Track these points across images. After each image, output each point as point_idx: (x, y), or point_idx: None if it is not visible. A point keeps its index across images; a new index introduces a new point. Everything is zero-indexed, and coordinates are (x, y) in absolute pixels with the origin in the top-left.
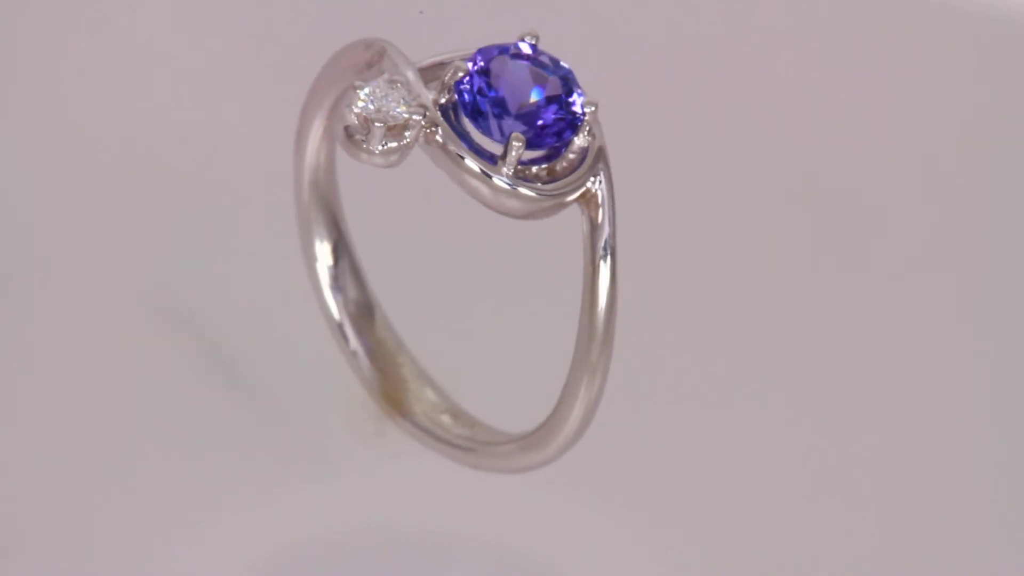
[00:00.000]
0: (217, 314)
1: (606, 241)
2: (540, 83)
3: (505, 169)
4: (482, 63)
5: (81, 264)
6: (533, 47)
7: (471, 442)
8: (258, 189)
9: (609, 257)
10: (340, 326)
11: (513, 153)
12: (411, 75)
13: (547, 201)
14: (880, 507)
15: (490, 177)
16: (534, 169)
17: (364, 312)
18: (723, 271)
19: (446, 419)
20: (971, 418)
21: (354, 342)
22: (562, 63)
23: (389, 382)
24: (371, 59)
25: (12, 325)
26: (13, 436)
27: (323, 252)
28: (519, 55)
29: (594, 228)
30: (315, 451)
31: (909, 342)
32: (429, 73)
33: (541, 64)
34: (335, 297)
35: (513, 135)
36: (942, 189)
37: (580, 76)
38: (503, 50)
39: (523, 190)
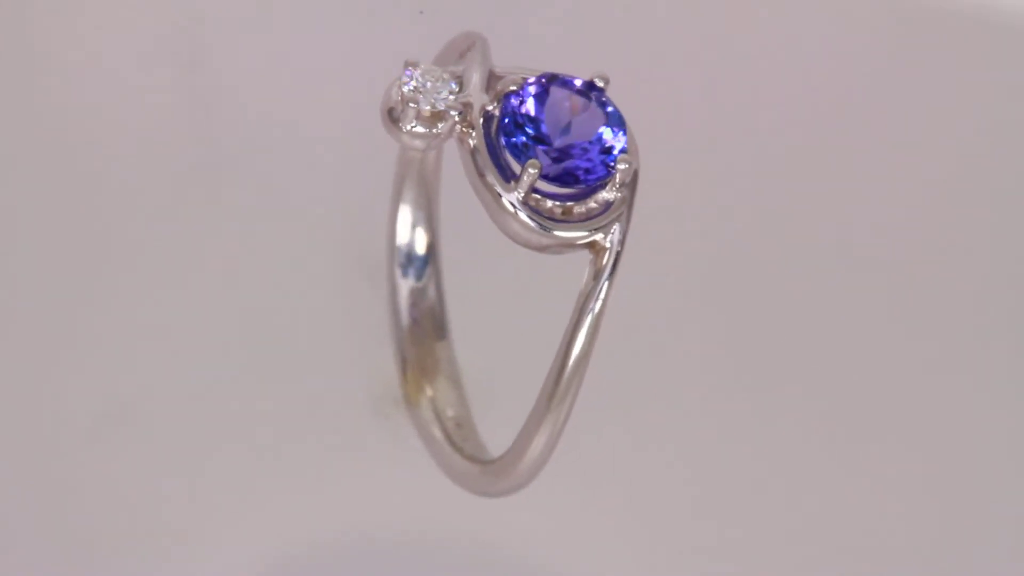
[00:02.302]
0: (229, 312)
1: (599, 297)
2: (588, 125)
3: (516, 192)
4: (542, 86)
5: (79, 253)
6: (599, 90)
7: (454, 451)
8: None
9: (596, 313)
10: (398, 312)
11: (526, 178)
12: (476, 74)
13: (547, 236)
14: (876, 507)
15: (499, 195)
16: (549, 203)
17: (433, 319)
18: (722, 272)
19: (450, 425)
20: (969, 422)
21: (407, 323)
22: (621, 113)
23: (421, 374)
24: (464, 50)
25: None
26: (14, 435)
27: (418, 243)
28: (582, 92)
29: (593, 279)
30: (316, 453)
31: (906, 349)
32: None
33: (599, 106)
34: (408, 290)
35: (530, 161)
36: (945, 192)
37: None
38: (567, 82)
39: (525, 217)
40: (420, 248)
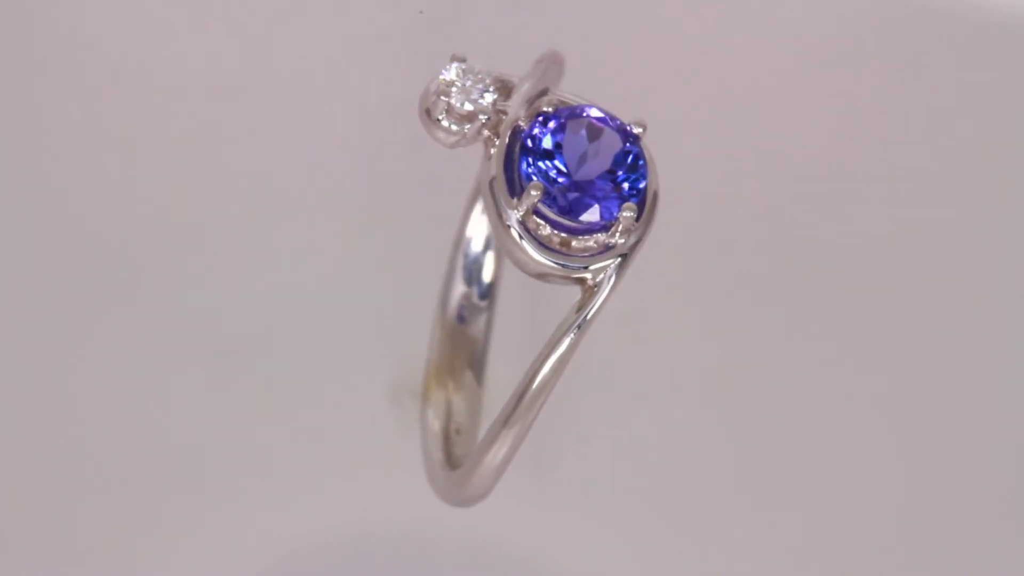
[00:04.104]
0: (234, 309)
1: (574, 332)
2: (610, 166)
3: (516, 211)
4: (576, 116)
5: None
6: (634, 136)
7: (442, 450)
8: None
9: (567, 347)
10: (446, 307)
11: (526, 199)
12: (525, 87)
13: (536, 263)
14: (876, 509)
15: (499, 210)
16: (547, 231)
17: (473, 358)
18: (719, 270)
19: (451, 427)
20: (971, 419)
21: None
22: (647, 162)
23: (448, 373)
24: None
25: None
26: (17, 435)
27: (486, 267)
28: (615, 132)
29: (576, 313)
30: (315, 454)
31: (907, 343)
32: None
33: (626, 151)
34: (462, 294)
35: (532, 183)
36: (944, 192)
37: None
38: (604, 119)
39: (522, 240)
40: (487, 275)
